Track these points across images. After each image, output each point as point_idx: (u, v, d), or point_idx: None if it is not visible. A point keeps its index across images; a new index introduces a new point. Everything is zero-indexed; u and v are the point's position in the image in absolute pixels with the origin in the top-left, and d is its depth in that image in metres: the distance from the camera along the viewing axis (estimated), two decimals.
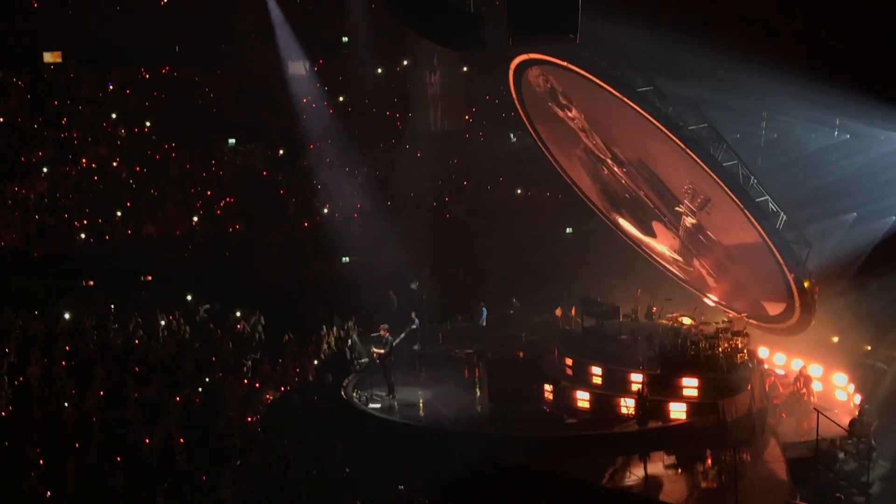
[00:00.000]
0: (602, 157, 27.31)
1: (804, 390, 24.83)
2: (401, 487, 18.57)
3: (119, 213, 33.11)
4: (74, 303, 29.25)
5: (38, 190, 32.78)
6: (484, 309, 32.58)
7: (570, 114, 26.61)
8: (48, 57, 36.71)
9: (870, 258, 27.27)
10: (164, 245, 32.87)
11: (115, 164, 34.87)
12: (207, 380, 24.45)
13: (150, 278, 31.82)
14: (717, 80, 24.83)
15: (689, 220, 26.00)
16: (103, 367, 24.19)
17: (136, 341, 26.88)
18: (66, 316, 28.28)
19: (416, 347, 29.90)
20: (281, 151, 37.95)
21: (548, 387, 24.45)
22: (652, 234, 29.05)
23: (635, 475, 20.21)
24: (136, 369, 24.56)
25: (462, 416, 23.74)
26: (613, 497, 19.09)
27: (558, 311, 29.61)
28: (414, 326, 29.85)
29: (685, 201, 25.29)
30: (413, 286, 32.77)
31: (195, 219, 34.02)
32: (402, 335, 27.39)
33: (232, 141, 37.06)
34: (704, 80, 24.64)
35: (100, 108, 36.71)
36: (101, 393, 22.73)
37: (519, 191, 38.74)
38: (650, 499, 18.84)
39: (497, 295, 33.24)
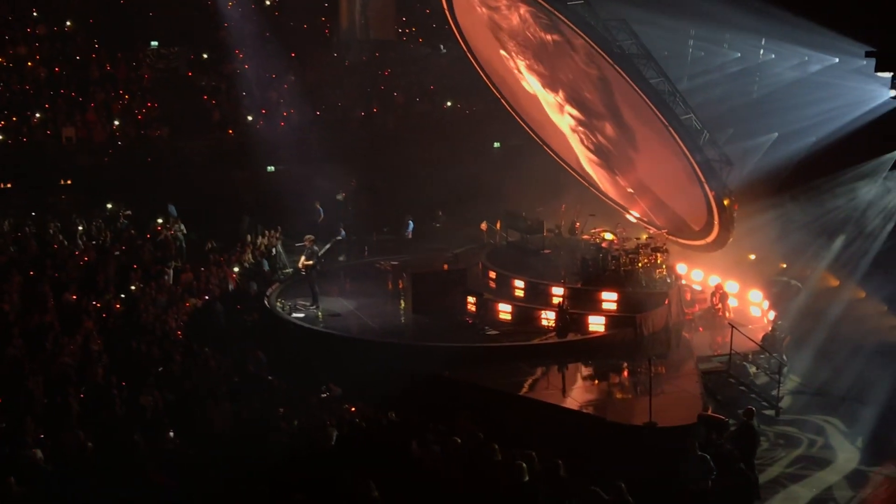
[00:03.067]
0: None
1: (720, 306, 25.38)
2: (323, 395, 18.68)
3: (38, 115, 32.19)
4: None
5: None
6: (410, 221, 32.64)
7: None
8: None
9: (789, 178, 27.79)
10: (83, 149, 32.12)
11: (35, 64, 33.72)
12: (130, 288, 24.21)
13: (69, 182, 31.15)
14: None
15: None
16: (20, 272, 23.73)
17: (55, 246, 26.38)
18: None
19: (341, 258, 29.92)
20: (205, 56, 37.06)
21: (471, 299, 24.65)
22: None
23: (554, 386, 20.61)
24: (56, 275, 24.15)
25: (386, 326, 23.86)
26: (532, 407, 19.39)
27: (483, 225, 29.77)
28: (339, 238, 29.81)
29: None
30: (339, 197, 32.66)
31: (116, 123, 33.22)
32: (328, 246, 27.30)
33: (154, 43, 36.03)
34: None
35: (18, 4, 35.34)
36: (19, 298, 22.34)
37: (448, 103, 38.48)
38: (567, 409, 19.19)
39: (423, 208, 33.28)
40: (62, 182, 31.20)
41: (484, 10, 26.88)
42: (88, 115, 32.92)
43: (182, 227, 28.92)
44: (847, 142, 26.05)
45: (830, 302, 25.64)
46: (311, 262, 24.86)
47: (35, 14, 35.16)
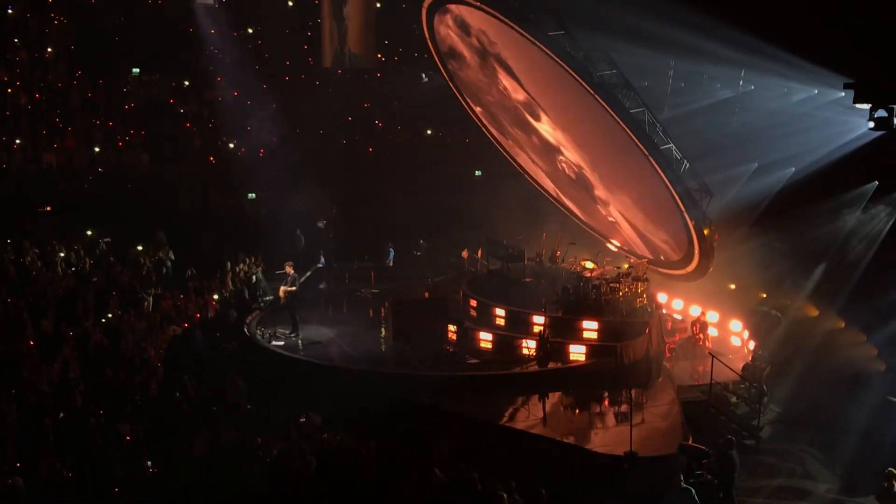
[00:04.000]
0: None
1: (700, 335, 25.44)
2: (301, 420, 18.55)
3: (18, 141, 32.07)
4: None
5: None
6: (391, 249, 32.59)
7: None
8: None
9: (768, 208, 27.94)
10: (64, 175, 31.99)
11: (16, 90, 33.57)
12: (108, 315, 24.05)
13: (49, 209, 30.99)
14: (626, 30, 24.96)
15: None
16: None
17: (34, 273, 26.20)
18: None
19: (322, 286, 29.83)
20: (187, 83, 37.06)
21: (452, 327, 24.59)
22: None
23: (534, 415, 20.55)
24: (34, 302, 23.93)
25: (366, 355, 23.78)
26: (512, 436, 19.31)
27: (465, 253, 29.78)
28: (320, 265, 29.74)
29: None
30: (320, 225, 32.60)
31: (97, 149, 33.12)
32: (309, 273, 27.21)
33: (136, 70, 36.05)
34: (615, 29, 24.73)
35: None
36: None
37: (429, 131, 38.58)
38: (548, 439, 19.12)
39: (404, 235, 33.27)
40: (42, 208, 31.04)
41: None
42: (68, 141, 32.82)
43: (171, 253, 28.81)
44: (827, 172, 26.21)
45: (810, 332, 25.75)
46: (292, 289, 24.77)
47: (16, 41, 35.06)
